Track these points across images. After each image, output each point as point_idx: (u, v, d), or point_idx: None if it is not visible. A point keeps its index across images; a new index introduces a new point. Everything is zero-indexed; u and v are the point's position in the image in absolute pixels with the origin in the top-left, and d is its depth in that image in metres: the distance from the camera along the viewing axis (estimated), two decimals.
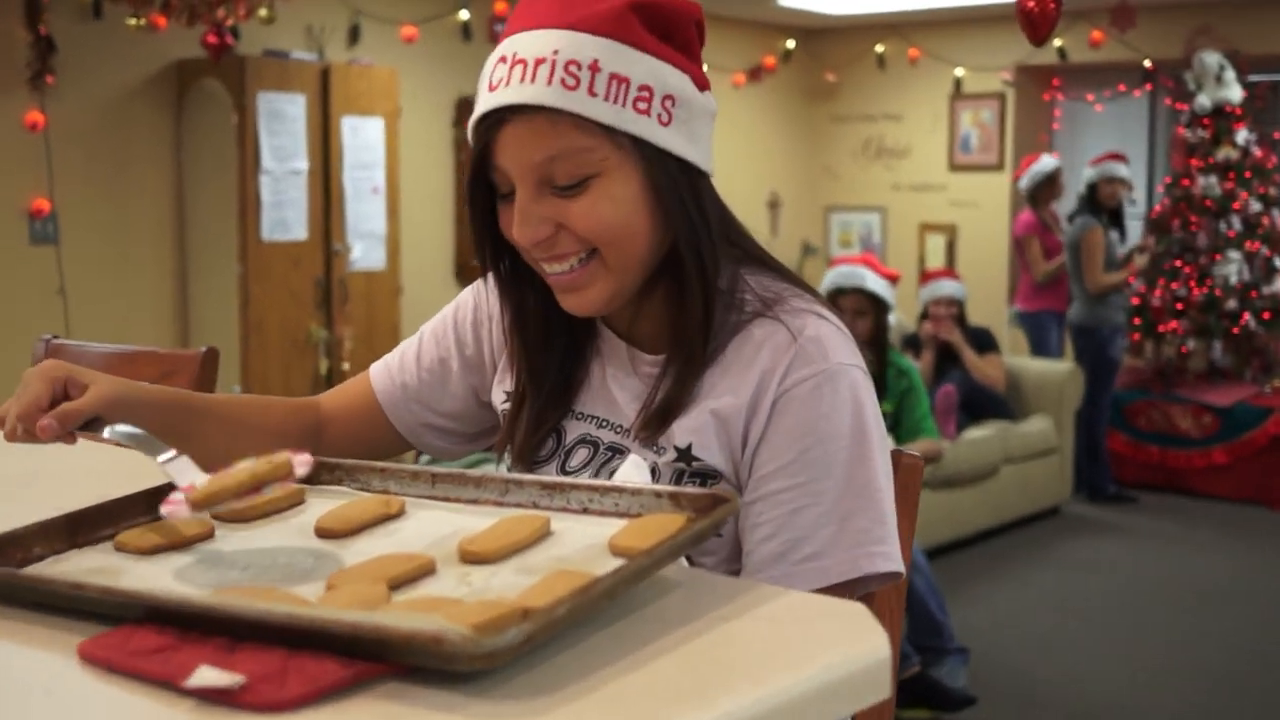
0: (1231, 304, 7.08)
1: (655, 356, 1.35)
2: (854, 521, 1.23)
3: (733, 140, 8.68)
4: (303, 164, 5.84)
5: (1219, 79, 7.15)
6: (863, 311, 4.32)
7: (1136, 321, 7.27)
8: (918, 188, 8.83)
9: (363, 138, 6.04)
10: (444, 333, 1.53)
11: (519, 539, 1.04)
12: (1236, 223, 7.17)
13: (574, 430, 1.38)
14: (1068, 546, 6.04)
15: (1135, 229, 7.57)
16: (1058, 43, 8.10)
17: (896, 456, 1.50)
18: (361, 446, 1.50)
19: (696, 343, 1.30)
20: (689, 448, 1.28)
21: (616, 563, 0.98)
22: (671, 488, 1.10)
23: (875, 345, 4.34)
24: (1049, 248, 7.11)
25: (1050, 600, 5.22)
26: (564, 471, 1.37)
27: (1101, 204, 6.71)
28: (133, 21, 4.95)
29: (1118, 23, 7.24)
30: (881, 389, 4.35)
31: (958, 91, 8.58)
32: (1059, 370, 6.55)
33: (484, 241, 1.35)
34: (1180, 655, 4.63)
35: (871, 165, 9.03)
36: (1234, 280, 7.10)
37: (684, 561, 1.07)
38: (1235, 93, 7.15)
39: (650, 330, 1.36)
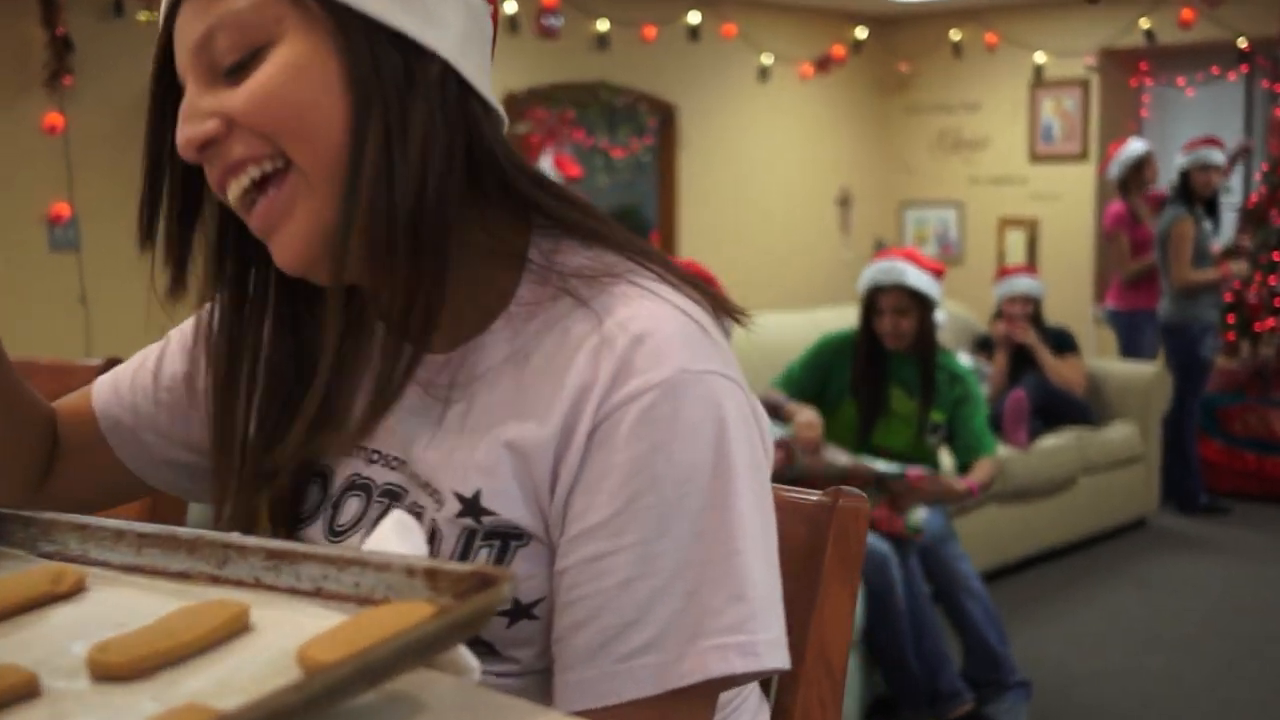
0: None
1: (440, 357, 1.00)
2: (705, 599, 0.88)
3: (801, 134, 8.31)
4: None
5: None
6: (904, 310, 3.94)
7: (1231, 319, 6.77)
8: (997, 180, 8.38)
9: None
10: (195, 338, 1.11)
11: (183, 641, 0.72)
12: None
13: (344, 470, 1.04)
14: (1153, 564, 5.58)
15: (1231, 220, 7.06)
16: (1145, 23, 7.61)
17: (832, 496, 1.16)
18: (90, 487, 1.14)
19: (474, 336, 0.96)
20: (477, 495, 0.94)
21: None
22: (430, 562, 0.77)
23: (921, 346, 3.96)
24: (1138, 242, 6.65)
25: (1131, 626, 4.78)
26: (332, 532, 1.02)
27: (1195, 193, 6.24)
28: (143, 17, 4.71)
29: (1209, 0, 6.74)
30: (930, 395, 3.96)
31: (1038, 79, 8.12)
32: (1145, 372, 6.09)
33: (174, 196, 0.98)
34: (1277, 679, 4.19)
35: (948, 158, 8.59)
36: None
37: (470, 662, 0.74)
38: None
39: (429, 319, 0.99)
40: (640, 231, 7.65)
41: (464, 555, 0.93)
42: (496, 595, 0.71)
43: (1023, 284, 5.90)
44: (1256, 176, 7.34)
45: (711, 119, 7.78)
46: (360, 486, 1.02)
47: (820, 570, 1.14)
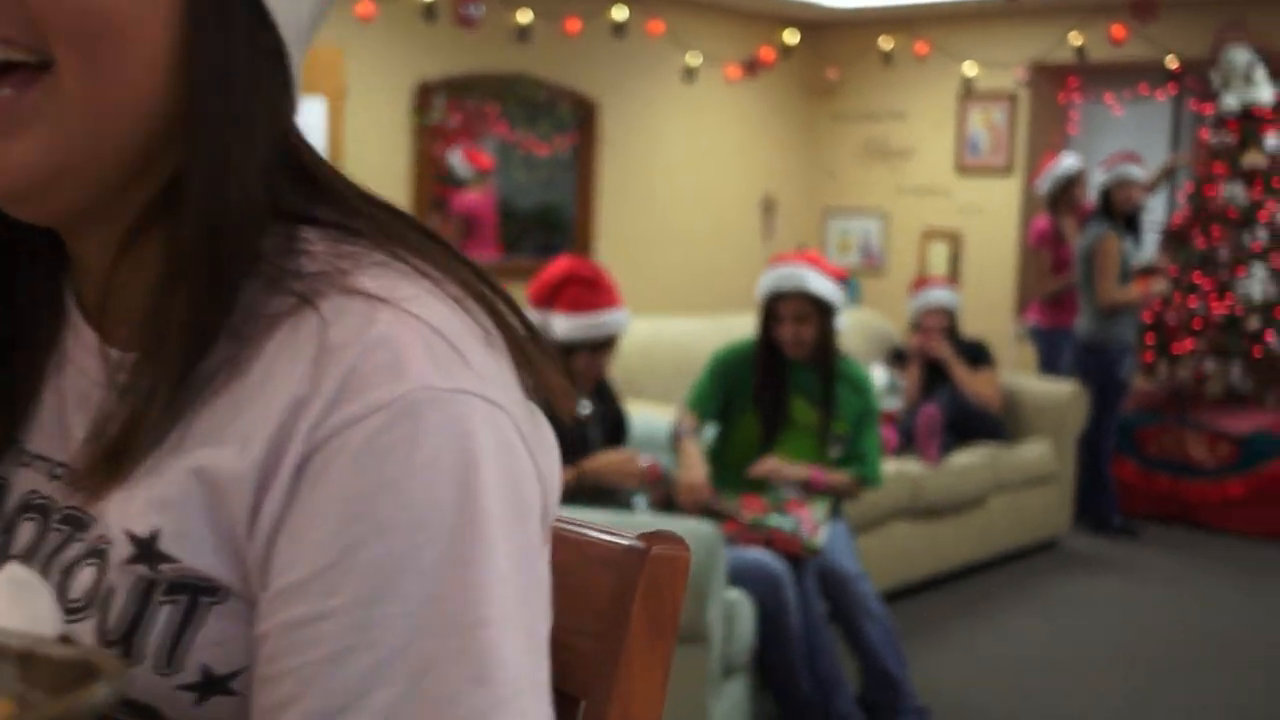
0: (1254, 323, 6.51)
1: (129, 355, 0.78)
2: (436, 681, 0.69)
3: (725, 136, 8.16)
4: None
5: (1248, 78, 6.59)
6: (805, 317, 3.78)
7: (1150, 340, 6.71)
8: (922, 191, 8.28)
9: (302, 120, 5.52)
10: None
11: None
12: (1262, 234, 6.60)
13: (21, 484, 0.82)
14: (1061, 585, 5.48)
15: (1152, 241, 7.00)
16: (1076, 39, 7.53)
17: (646, 541, 0.98)
18: None
19: (182, 334, 0.74)
20: (154, 536, 0.73)
21: None
22: (28, 643, 0.58)
23: (822, 354, 3.81)
24: (1059, 260, 6.57)
25: (1035, 649, 4.67)
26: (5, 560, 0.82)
27: (1116, 210, 6.16)
28: None
29: (1139, 14, 6.67)
30: (832, 406, 3.82)
31: (967, 90, 8.03)
32: (1061, 391, 5.99)
33: None
34: (1185, 711, 4.08)
35: (873, 166, 8.49)
36: (1257, 297, 6.54)
37: None
38: (1265, 93, 6.58)
39: (132, 306, 0.78)
40: (557, 232, 7.50)
41: (139, 615, 0.74)
42: (88, 697, 0.52)
43: (938, 296, 5.79)
44: (1180, 197, 7.29)
45: (635, 118, 7.61)
46: (36, 508, 0.81)
47: (626, 631, 0.96)
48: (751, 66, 8.13)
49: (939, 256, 8.18)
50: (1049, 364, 6.65)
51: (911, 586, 5.20)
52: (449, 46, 6.67)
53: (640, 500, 3.63)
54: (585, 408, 3.56)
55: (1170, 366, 6.77)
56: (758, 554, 3.38)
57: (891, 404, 5.66)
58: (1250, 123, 6.61)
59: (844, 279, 3.92)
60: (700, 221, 8.03)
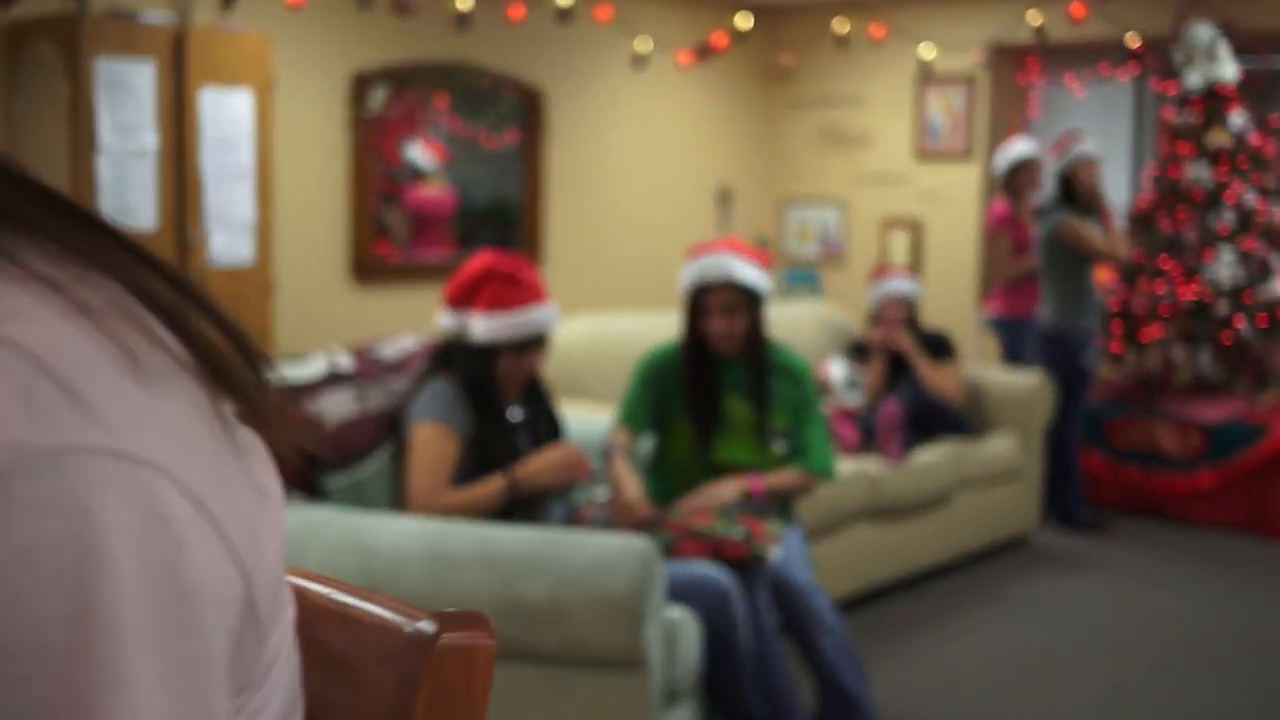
0: (1223, 308, 6.31)
1: None
2: None
3: (678, 125, 7.91)
4: (150, 141, 5.06)
5: (1211, 55, 6.38)
6: (735, 308, 3.54)
7: (1116, 328, 6.50)
8: (880, 179, 8.06)
9: (226, 112, 5.26)
10: None
11: None
12: (1229, 216, 6.40)
13: None
14: (1031, 583, 5.26)
15: (1119, 227, 6.78)
16: (1035, 19, 7.32)
17: (437, 624, 0.74)
18: None
19: None
20: None
21: None
22: None
23: (752, 346, 3.57)
24: (1019, 243, 6.35)
25: (1006, 650, 4.44)
26: None
27: (1080, 195, 5.93)
28: None
29: None
30: (766, 399, 3.57)
31: (925, 73, 7.80)
32: (1026, 382, 5.77)
33: None
34: (1161, 710, 3.87)
35: (831, 154, 8.25)
36: (1225, 282, 6.33)
37: None
38: (1229, 71, 6.38)
39: None
40: (509, 228, 7.22)
41: None
42: None
43: (898, 285, 5.57)
44: (1144, 179, 7.09)
45: (582, 106, 7.35)
46: None
47: None
48: (703, 52, 7.88)
49: (899, 246, 7.96)
50: (1012, 355, 6.44)
51: (873, 592, 4.97)
52: (385, 34, 6.39)
53: (598, 491, 3.38)
54: (514, 414, 3.31)
55: (1137, 354, 6.57)
56: (702, 568, 3.14)
57: (852, 400, 5.43)
58: (1214, 101, 6.41)
59: (768, 265, 3.68)
60: (654, 213, 7.78)
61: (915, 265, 7.85)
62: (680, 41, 7.80)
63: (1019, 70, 7.84)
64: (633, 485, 3.35)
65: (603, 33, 7.35)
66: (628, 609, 2.57)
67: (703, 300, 3.56)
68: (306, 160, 6.13)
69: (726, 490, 3.43)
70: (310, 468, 2.94)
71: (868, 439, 5.14)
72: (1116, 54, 7.33)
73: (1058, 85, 7.76)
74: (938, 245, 7.85)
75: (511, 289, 3.16)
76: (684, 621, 2.90)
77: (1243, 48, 6.53)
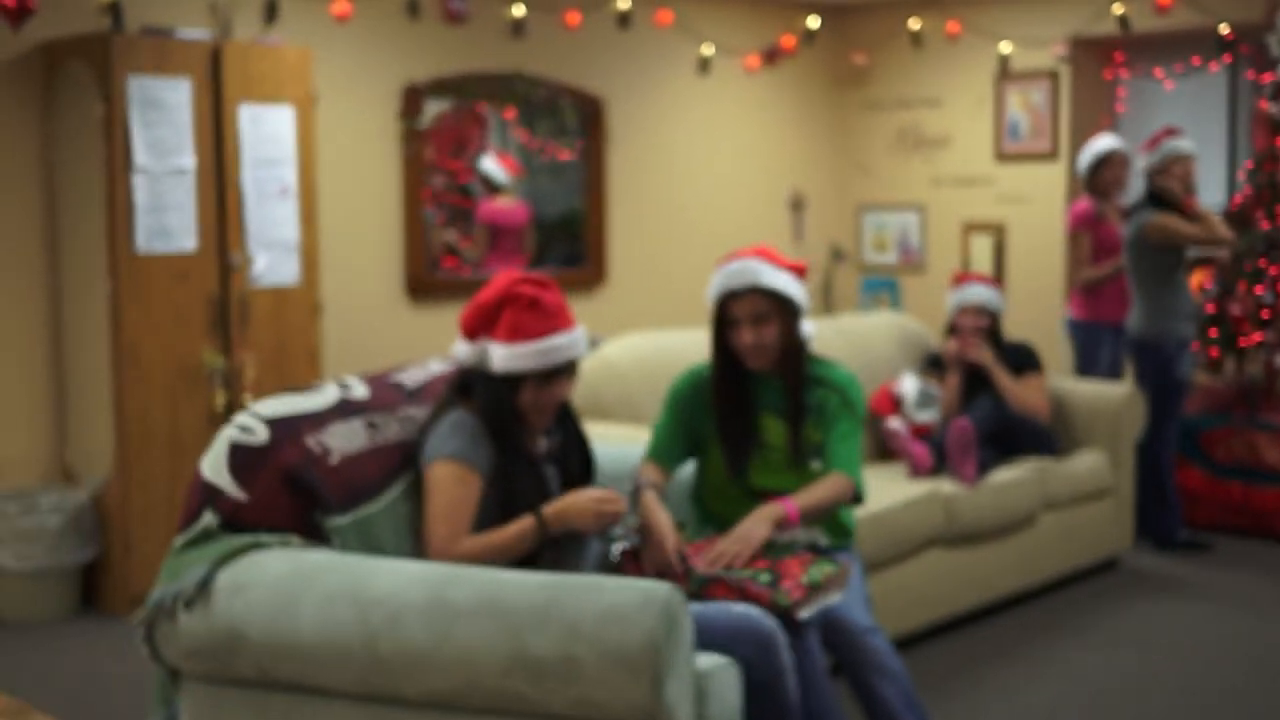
0: None
1: None
2: None
3: (747, 131, 7.63)
4: (188, 161, 4.91)
5: None
6: (764, 317, 3.24)
7: (1213, 333, 6.09)
8: (961, 182, 7.70)
9: (266, 129, 5.09)
10: None
11: None
12: None
13: None
14: (1125, 611, 4.90)
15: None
16: (1118, 9, 6.94)
17: None
18: None
19: None
20: None
21: None
22: None
23: (787, 360, 3.26)
24: (1101, 244, 5.98)
25: (1095, 685, 4.10)
26: None
27: (1170, 194, 5.55)
28: None
29: None
30: (800, 415, 3.27)
31: (1004, 71, 7.45)
32: (1114, 394, 5.41)
33: None
34: None
35: (908, 157, 7.91)
36: None
37: None
38: None
39: None
40: (577, 240, 6.98)
41: None
42: None
43: (978, 293, 5.25)
44: (1240, 176, 6.67)
45: (645, 115, 7.10)
46: None
47: None
48: (771, 55, 7.61)
49: (982, 251, 7.60)
50: (1086, 362, 6.06)
51: (948, 623, 4.65)
52: (437, 45, 6.20)
53: (629, 519, 3.12)
54: (540, 448, 3.06)
55: (1238, 362, 6.15)
56: (741, 608, 2.85)
57: (925, 417, 5.11)
58: None
59: (803, 273, 3.38)
60: (723, 224, 7.50)
61: (998, 271, 7.49)
62: (747, 45, 7.52)
63: (1104, 64, 7.45)
64: (664, 522, 3.08)
65: (665, 37, 7.10)
66: (646, 664, 2.30)
67: (729, 310, 3.27)
68: (356, 176, 5.95)
69: (758, 530, 3.05)
70: (308, 507, 2.71)
71: (942, 459, 4.81)
72: (1207, 44, 6.92)
73: (1145, 79, 7.36)
74: (1022, 250, 7.48)
75: (533, 315, 2.91)
76: (720, 672, 2.62)
77: None
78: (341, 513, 2.76)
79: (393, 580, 2.48)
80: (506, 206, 6.69)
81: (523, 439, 2.97)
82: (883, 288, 7.97)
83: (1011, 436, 5.09)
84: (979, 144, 7.60)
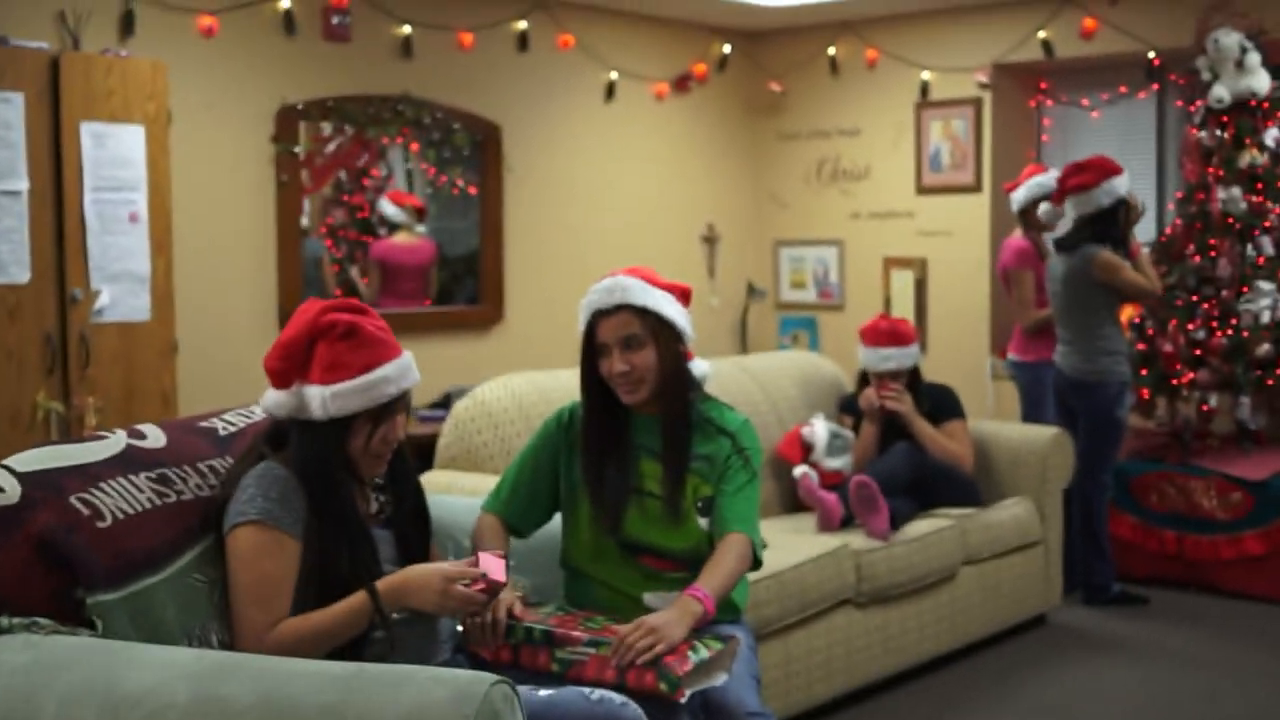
0: (1264, 348, 5.55)
1: None
2: None
3: (657, 162, 7.24)
4: (21, 183, 4.42)
5: (1240, 64, 5.67)
6: (637, 340, 2.81)
7: (1144, 372, 5.75)
8: (880, 215, 7.35)
9: (112, 150, 4.61)
10: None
11: None
12: (1267, 245, 5.66)
13: None
14: (1053, 673, 4.50)
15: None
16: (1043, 35, 6.64)
17: None
18: None
19: None
20: None
21: None
22: None
23: (667, 392, 2.84)
24: (1041, 284, 5.63)
25: None
26: None
27: (1116, 228, 5.16)
28: None
29: None
30: (679, 459, 2.84)
31: (924, 98, 7.12)
32: (1041, 437, 5.03)
33: None
34: None
35: (826, 190, 7.55)
36: (1265, 318, 5.58)
37: None
38: (1261, 81, 5.66)
39: None
40: (471, 279, 6.55)
41: None
42: None
43: (890, 356, 4.77)
44: (1170, 207, 6.37)
45: (545, 142, 6.68)
46: None
47: None
48: (682, 82, 7.24)
49: (904, 287, 7.24)
50: (1035, 406, 5.70)
51: (861, 691, 4.21)
52: (316, 63, 5.74)
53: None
54: (370, 505, 2.60)
55: (1170, 403, 5.81)
56: (600, 695, 2.40)
57: (836, 464, 4.71)
58: (1246, 116, 5.69)
59: (687, 295, 2.96)
60: (630, 259, 6.97)
61: (920, 307, 7.13)
62: (656, 71, 7.15)
63: (1028, 91, 7.14)
64: (491, 566, 2.61)
65: (567, 61, 6.70)
66: None
67: (597, 332, 2.84)
68: (221, 203, 5.47)
69: (677, 629, 2.54)
70: (66, 581, 2.24)
71: (847, 514, 4.39)
72: (1134, 71, 6.63)
73: (1072, 106, 7.05)
74: (944, 285, 7.13)
75: (351, 347, 2.45)
76: None
77: (1275, 58, 5.82)
78: (110, 588, 2.27)
79: (155, 673, 2.01)
80: (405, 243, 6.26)
81: (349, 496, 2.51)
82: (801, 326, 7.59)
83: (930, 486, 4.70)
84: (899, 175, 7.26)
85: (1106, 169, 5.14)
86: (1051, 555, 5.06)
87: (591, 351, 2.86)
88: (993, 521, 4.76)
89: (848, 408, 5.05)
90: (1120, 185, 5.13)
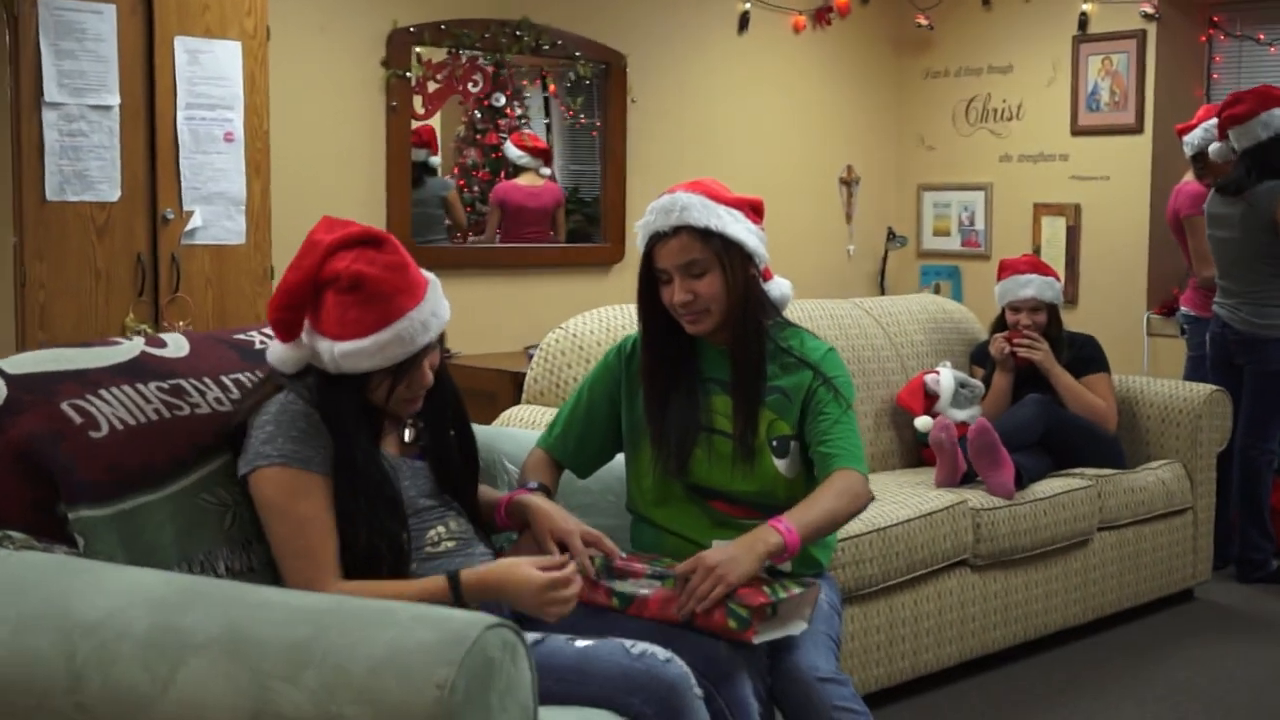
0: None
1: None
2: None
3: (793, 100, 6.86)
4: (112, 98, 4.27)
5: None
6: (699, 266, 2.50)
7: None
8: (1032, 158, 6.86)
9: (207, 67, 4.44)
10: None
11: None
12: None
13: None
14: (1197, 655, 4.07)
15: None
16: None
17: None
18: None
19: None
20: None
21: None
22: None
23: (737, 320, 2.52)
24: None
25: None
26: None
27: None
28: None
29: None
30: (752, 392, 2.52)
31: (1083, 32, 6.60)
32: (1194, 395, 4.58)
33: None
34: None
35: (974, 132, 7.09)
36: None
37: None
38: None
39: None
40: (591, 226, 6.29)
41: None
42: None
43: (1031, 284, 4.48)
44: None
45: (673, 75, 6.35)
46: None
47: None
48: (822, 14, 6.84)
49: (1055, 235, 6.75)
50: (1200, 363, 5.20)
51: (975, 663, 3.85)
52: None
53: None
54: (404, 435, 2.35)
55: None
56: (643, 649, 2.11)
57: (962, 416, 4.32)
58: None
59: (757, 207, 2.64)
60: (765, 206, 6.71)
61: (1071, 258, 6.64)
62: (794, 2, 6.76)
63: (1198, 25, 6.56)
64: (556, 515, 2.36)
65: None
66: None
67: (656, 257, 2.54)
68: (323, 128, 5.28)
69: (742, 563, 2.24)
70: (48, 493, 2.02)
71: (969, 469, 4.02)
72: None
73: (1246, 41, 6.46)
74: (1098, 234, 6.62)
75: (359, 300, 2.11)
76: None
77: None
78: (96, 504, 2.05)
79: (115, 599, 1.79)
80: (527, 186, 6.05)
81: (370, 449, 2.23)
82: (943, 275, 7.16)
83: (1067, 443, 4.30)
84: (1054, 116, 6.76)
85: (1267, 97, 4.65)
86: (1202, 525, 4.60)
87: (651, 278, 2.56)
88: (1136, 484, 4.33)
89: (980, 359, 4.68)
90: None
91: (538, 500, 2.44)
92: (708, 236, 2.48)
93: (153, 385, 2.24)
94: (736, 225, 2.51)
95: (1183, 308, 5.42)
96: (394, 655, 1.62)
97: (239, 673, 1.66)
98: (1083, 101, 6.64)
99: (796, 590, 2.35)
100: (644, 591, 2.31)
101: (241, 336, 2.54)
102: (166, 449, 2.18)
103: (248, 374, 2.40)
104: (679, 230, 2.48)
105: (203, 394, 2.30)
